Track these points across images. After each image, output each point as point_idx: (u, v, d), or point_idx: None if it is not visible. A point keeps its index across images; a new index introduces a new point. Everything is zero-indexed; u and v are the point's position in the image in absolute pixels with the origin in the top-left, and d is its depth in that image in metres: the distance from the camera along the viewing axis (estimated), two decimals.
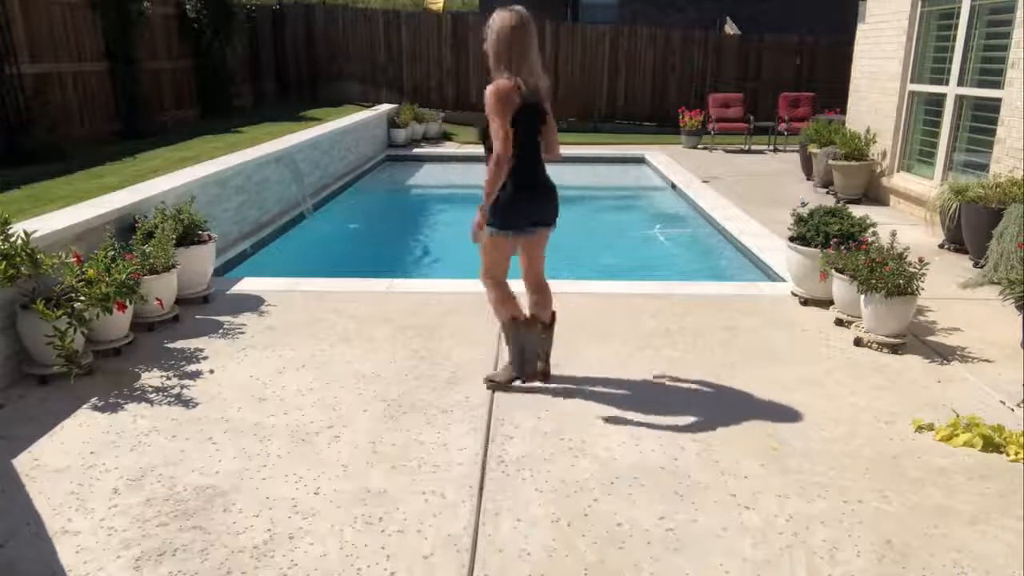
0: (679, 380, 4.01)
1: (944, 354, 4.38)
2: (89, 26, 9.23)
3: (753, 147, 13.53)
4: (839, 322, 4.79)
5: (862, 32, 9.63)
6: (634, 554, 2.62)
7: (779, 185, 10.01)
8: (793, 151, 11.98)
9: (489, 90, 3.36)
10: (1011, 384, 3.98)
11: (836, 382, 4.00)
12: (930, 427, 3.49)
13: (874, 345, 4.43)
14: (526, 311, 3.84)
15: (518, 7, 3.43)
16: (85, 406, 3.65)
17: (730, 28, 17.56)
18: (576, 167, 12.37)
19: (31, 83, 7.99)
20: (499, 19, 3.40)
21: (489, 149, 3.42)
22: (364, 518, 2.80)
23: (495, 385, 3.83)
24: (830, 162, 9.17)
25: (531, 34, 3.43)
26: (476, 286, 5.43)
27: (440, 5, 26.30)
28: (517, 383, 3.84)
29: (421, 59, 15.88)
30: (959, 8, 7.53)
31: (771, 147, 13.58)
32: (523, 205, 3.56)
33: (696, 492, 2.99)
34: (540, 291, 3.83)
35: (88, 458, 3.19)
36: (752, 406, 3.72)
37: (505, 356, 3.96)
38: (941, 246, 6.78)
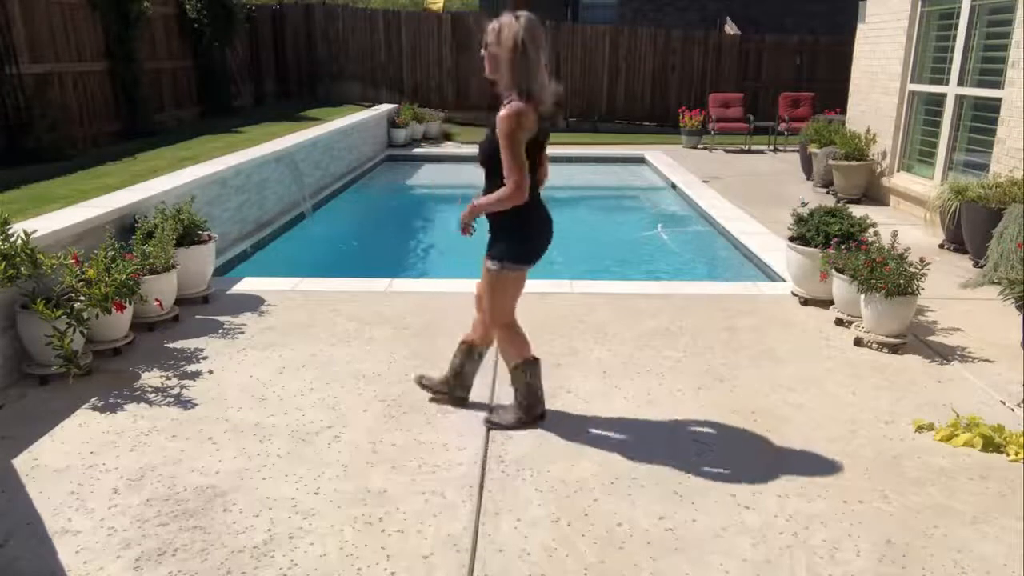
0: (679, 380, 4.01)
1: (944, 354, 4.38)
2: (89, 26, 9.23)
3: (753, 147, 13.54)
4: (839, 322, 4.79)
5: (862, 32, 9.63)
6: (634, 554, 2.62)
7: (779, 185, 10.01)
8: (793, 151, 11.98)
9: (505, 114, 3.00)
10: (1011, 384, 3.98)
11: (836, 382, 4.00)
12: (930, 427, 3.49)
13: (874, 345, 4.43)
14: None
15: (525, 11, 3.13)
16: (85, 406, 3.64)
17: (730, 28, 17.55)
18: (576, 167, 12.38)
19: (31, 83, 7.99)
20: (509, 27, 3.02)
21: (496, 176, 3.10)
22: (364, 518, 2.80)
23: (500, 427, 3.49)
24: (830, 162, 9.17)
25: (542, 42, 3.06)
26: (476, 286, 5.45)
27: (440, 5, 26.30)
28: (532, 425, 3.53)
29: (421, 59, 15.89)
30: (959, 8, 7.53)
31: (771, 147, 13.58)
32: (543, 237, 3.32)
33: (696, 492, 2.99)
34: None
35: (88, 458, 3.19)
36: (752, 406, 3.72)
37: (500, 394, 3.78)
38: (941, 246, 6.78)
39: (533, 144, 3.10)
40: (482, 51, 3.12)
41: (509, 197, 3.08)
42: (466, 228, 3.29)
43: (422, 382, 3.77)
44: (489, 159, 3.15)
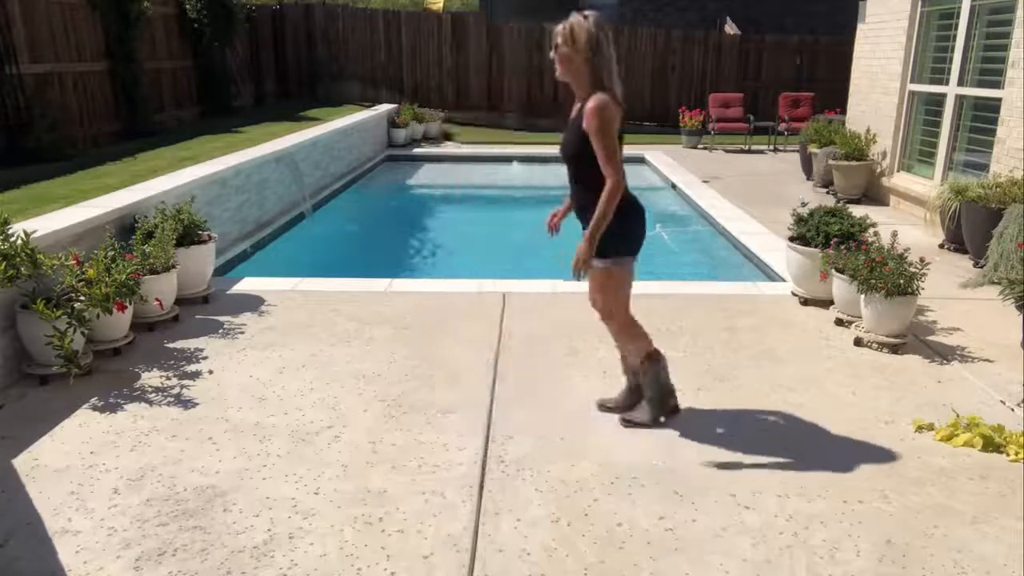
0: (679, 380, 4.00)
1: (944, 354, 4.38)
2: (89, 26, 9.24)
3: (753, 147, 13.53)
4: (839, 322, 4.79)
5: (862, 32, 9.63)
6: (634, 554, 2.62)
7: (779, 185, 10.01)
8: (793, 151, 11.98)
9: (595, 107, 3.03)
10: (1011, 384, 3.98)
11: (836, 382, 4.00)
12: (930, 427, 3.49)
13: (874, 345, 4.43)
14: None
15: (591, 11, 3.17)
16: (85, 406, 3.64)
17: (730, 28, 17.55)
18: None
19: (31, 83, 7.99)
20: (580, 27, 3.06)
21: (586, 167, 3.11)
22: (364, 518, 2.80)
23: (638, 426, 3.48)
24: (830, 162, 9.17)
25: (611, 39, 3.13)
26: (476, 286, 5.47)
27: (440, 5, 26.31)
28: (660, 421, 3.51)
29: (421, 59, 15.88)
30: (959, 8, 7.53)
31: (771, 147, 13.58)
32: (643, 224, 3.32)
33: (696, 492, 2.99)
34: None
35: (88, 458, 3.19)
36: (752, 406, 3.72)
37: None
38: (941, 246, 6.78)
39: (619, 131, 3.15)
40: (551, 54, 3.17)
41: (613, 193, 3.08)
42: (586, 263, 3.20)
43: (634, 420, 3.54)
44: (577, 154, 3.16)
